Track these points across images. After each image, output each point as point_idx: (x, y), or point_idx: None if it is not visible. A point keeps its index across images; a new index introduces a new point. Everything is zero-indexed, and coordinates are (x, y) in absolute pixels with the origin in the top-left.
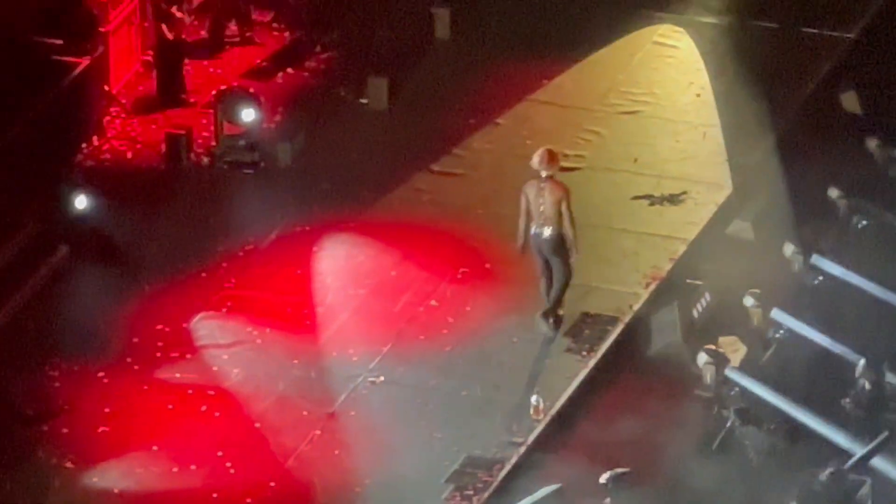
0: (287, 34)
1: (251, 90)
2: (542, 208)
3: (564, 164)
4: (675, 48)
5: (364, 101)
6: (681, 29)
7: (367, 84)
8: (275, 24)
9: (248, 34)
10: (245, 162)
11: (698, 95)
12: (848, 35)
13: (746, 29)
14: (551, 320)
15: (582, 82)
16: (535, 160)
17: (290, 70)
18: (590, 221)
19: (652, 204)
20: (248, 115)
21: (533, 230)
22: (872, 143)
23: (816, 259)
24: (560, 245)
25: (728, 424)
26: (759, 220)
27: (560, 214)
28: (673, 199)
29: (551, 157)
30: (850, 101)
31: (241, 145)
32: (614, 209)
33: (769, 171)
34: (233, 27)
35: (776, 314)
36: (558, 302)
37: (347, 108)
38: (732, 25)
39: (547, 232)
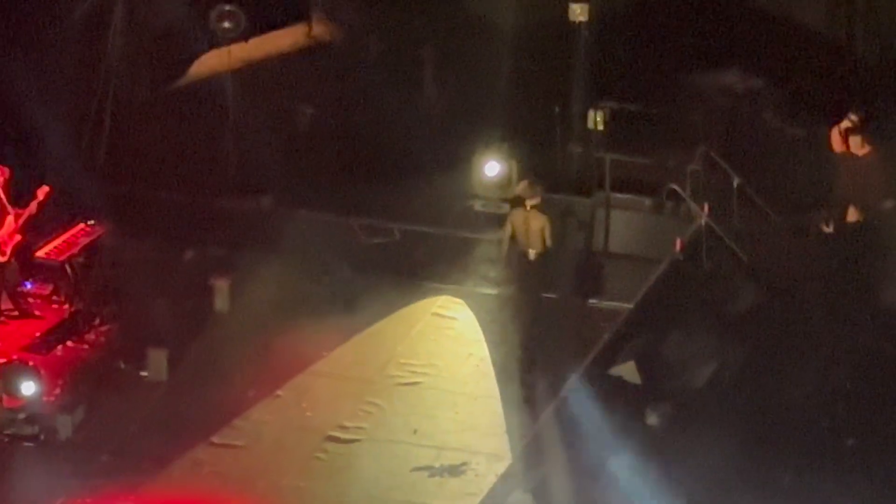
0: (66, 307)
1: (31, 363)
2: (527, 234)
3: (343, 436)
4: (454, 319)
5: (144, 373)
6: (459, 300)
7: (146, 356)
8: (54, 297)
9: (25, 307)
10: (25, 435)
11: (477, 366)
12: (627, 306)
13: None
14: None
15: (361, 354)
16: (520, 190)
17: (69, 342)
18: (369, 494)
19: (432, 475)
20: (27, 387)
21: (519, 251)
22: (651, 414)
23: None
24: (541, 266)
25: None
26: (539, 491)
27: (543, 239)
28: (453, 471)
29: (533, 188)
30: (628, 372)
31: (20, 418)
32: (394, 481)
33: (549, 442)
34: (8, 300)
35: None
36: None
37: (127, 380)
38: (511, 296)
39: (532, 254)
